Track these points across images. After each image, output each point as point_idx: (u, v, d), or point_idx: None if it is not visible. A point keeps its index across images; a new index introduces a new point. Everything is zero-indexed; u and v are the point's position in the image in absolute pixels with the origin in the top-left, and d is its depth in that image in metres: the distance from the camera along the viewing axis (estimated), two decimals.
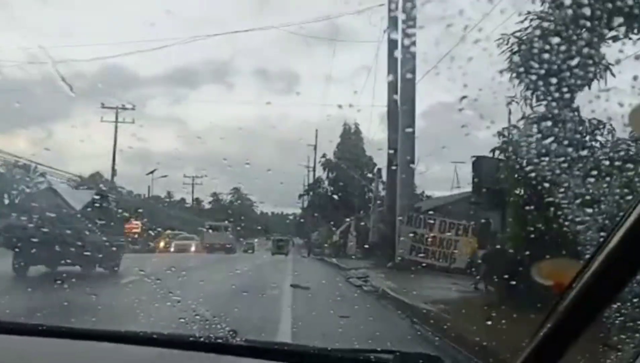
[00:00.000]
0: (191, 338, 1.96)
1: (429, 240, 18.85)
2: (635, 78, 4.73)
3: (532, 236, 8.05)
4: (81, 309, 7.24)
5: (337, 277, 18.46)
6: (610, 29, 6.56)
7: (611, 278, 0.88)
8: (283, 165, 69.15)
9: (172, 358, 1.81)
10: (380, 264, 20.04)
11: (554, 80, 6.63)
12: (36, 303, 8.28)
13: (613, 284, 0.89)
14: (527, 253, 7.84)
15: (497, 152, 10.38)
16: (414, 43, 10.22)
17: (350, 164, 43.75)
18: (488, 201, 15.00)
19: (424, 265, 17.68)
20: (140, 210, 37.83)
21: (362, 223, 34.63)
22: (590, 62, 7.01)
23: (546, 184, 6.30)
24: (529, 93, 8.62)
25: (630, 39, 6.90)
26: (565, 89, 6.95)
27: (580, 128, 7.94)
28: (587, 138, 8.22)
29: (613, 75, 7.73)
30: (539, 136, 6.85)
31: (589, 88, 7.83)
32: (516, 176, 8.66)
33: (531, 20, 8.02)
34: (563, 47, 6.01)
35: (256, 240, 52.38)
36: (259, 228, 67.02)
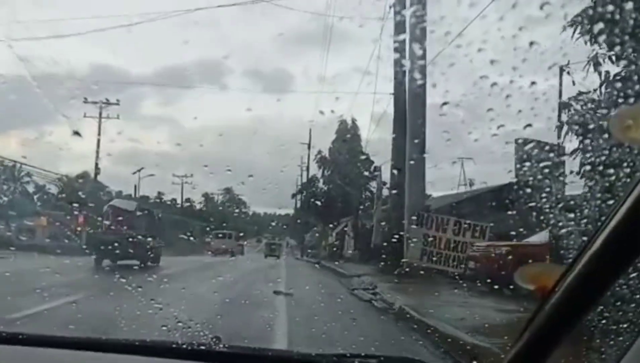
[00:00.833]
0: (174, 345, 1.94)
1: (442, 243, 16.92)
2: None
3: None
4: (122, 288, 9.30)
5: (338, 286, 15.98)
6: None
7: (594, 282, 0.89)
8: (276, 164, 68.43)
9: None
10: (386, 270, 17.47)
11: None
12: (99, 281, 14.64)
13: (596, 287, 0.90)
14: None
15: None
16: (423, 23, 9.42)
17: (346, 161, 41.24)
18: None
19: (434, 271, 16.21)
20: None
21: (360, 224, 32.61)
22: None
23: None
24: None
25: None
26: None
27: None
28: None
29: None
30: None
31: None
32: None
33: None
34: None
35: (246, 242, 52.00)
36: (255, 228, 66.60)
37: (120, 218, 23.00)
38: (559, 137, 8.59)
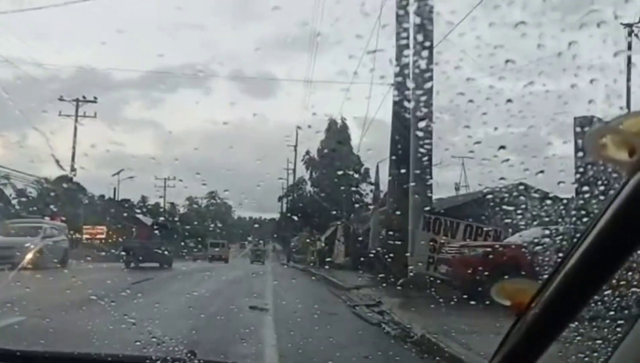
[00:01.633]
0: (147, 361, 1.92)
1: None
2: (589, 102, 4.86)
3: None
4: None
5: (335, 301, 13.61)
6: None
7: (569, 299, 0.90)
8: (262, 167, 67.78)
9: None
10: (387, 280, 15.06)
11: None
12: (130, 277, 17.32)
13: (571, 304, 0.90)
14: None
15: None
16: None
17: (336, 162, 39.39)
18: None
19: (438, 282, 13.47)
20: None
21: (352, 228, 30.05)
22: None
23: None
24: None
25: None
26: None
27: None
28: None
29: None
30: None
31: None
32: None
33: None
34: None
35: (231, 247, 51.81)
36: (240, 232, 65.69)
37: (143, 230, 29.51)
38: None
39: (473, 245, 12.69)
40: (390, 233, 17.67)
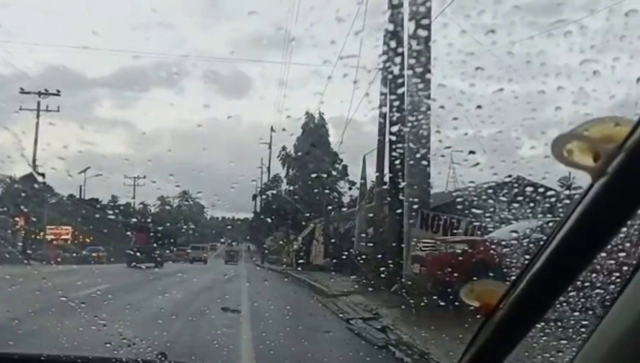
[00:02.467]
0: (114, 360, 1.92)
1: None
2: (556, 108, 4.95)
3: None
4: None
5: (322, 312, 11.46)
6: None
7: (536, 300, 0.92)
8: (236, 168, 66.85)
9: None
10: (378, 286, 13.29)
11: None
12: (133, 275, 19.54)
13: (538, 305, 0.92)
14: None
15: None
16: None
17: (313, 158, 36.80)
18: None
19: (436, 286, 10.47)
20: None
21: (331, 227, 27.99)
22: None
23: None
24: None
25: None
26: None
27: None
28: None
29: None
30: None
31: None
32: None
33: None
34: None
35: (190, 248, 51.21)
36: (213, 232, 64.73)
37: (141, 235, 32.60)
38: None
39: (451, 241, 11.17)
40: (381, 231, 16.45)
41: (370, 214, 18.84)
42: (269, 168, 48.52)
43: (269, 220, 42.75)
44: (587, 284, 3.56)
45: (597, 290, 3.60)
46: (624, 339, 0.75)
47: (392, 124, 14.66)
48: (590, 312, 3.82)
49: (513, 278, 0.98)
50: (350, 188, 38.04)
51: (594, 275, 3.50)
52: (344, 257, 19.57)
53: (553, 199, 5.56)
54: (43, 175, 37.34)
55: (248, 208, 51.28)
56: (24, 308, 8.88)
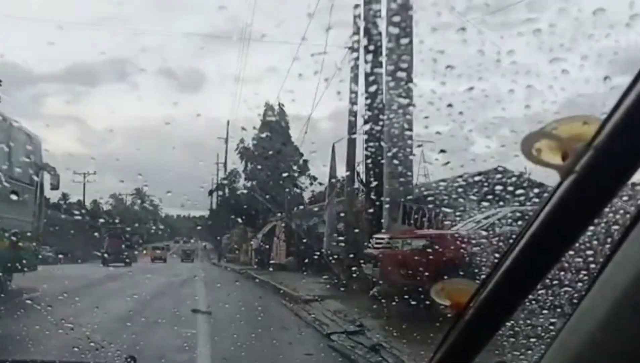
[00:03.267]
0: None
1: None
2: (526, 107, 5.02)
3: None
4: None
5: (297, 325, 9.66)
6: None
7: (506, 298, 0.92)
8: (191, 163, 66.03)
9: None
10: (353, 289, 12.36)
11: None
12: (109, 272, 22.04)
13: (507, 303, 0.93)
14: None
15: None
16: None
17: (272, 151, 34.49)
18: None
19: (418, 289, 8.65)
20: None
21: (295, 225, 25.91)
22: None
23: None
24: None
25: None
26: None
27: None
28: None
29: None
30: None
31: None
32: None
33: None
34: None
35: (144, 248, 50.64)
36: (168, 231, 63.69)
37: (114, 238, 34.74)
38: None
39: (410, 237, 9.93)
40: (353, 228, 15.10)
41: (341, 210, 17.61)
42: (225, 163, 46.92)
43: (226, 217, 40.48)
44: (555, 282, 3.62)
45: (566, 288, 3.66)
46: (592, 337, 0.75)
47: (368, 119, 13.88)
48: (558, 309, 3.89)
49: (483, 276, 0.98)
50: (311, 183, 37.63)
51: (562, 273, 3.56)
52: (313, 256, 17.66)
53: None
54: None
55: (204, 205, 49.92)
56: None
